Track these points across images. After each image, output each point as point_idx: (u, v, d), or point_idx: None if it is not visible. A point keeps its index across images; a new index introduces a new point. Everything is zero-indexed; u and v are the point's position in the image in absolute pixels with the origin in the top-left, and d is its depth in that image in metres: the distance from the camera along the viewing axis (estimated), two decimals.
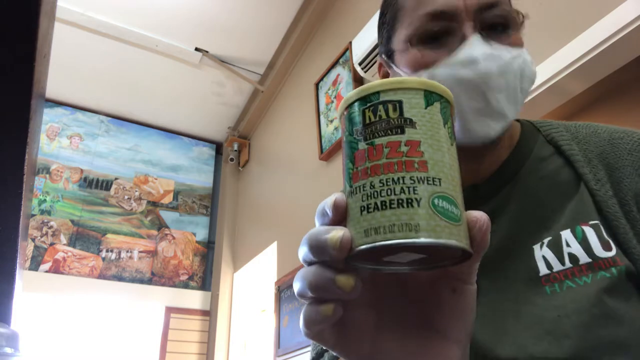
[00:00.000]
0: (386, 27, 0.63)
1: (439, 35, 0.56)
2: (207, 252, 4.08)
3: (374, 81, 0.31)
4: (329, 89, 2.80)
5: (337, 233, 0.28)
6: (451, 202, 0.28)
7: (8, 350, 0.43)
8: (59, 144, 3.85)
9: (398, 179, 0.28)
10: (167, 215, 4.04)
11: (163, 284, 3.77)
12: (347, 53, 2.66)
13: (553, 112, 1.57)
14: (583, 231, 0.52)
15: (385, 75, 0.65)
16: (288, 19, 3.33)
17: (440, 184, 0.28)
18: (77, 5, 3.15)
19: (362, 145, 0.29)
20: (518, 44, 0.57)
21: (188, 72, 3.72)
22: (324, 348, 0.58)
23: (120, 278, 3.62)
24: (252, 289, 3.64)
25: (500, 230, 0.57)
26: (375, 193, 0.28)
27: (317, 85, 2.94)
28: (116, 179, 3.96)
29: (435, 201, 0.27)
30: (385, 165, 0.28)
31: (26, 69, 0.38)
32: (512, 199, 0.58)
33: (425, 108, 0.29)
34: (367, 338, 0.32)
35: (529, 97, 1.51)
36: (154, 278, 3.75)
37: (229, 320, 3.67)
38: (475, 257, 0.30)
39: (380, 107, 0.29)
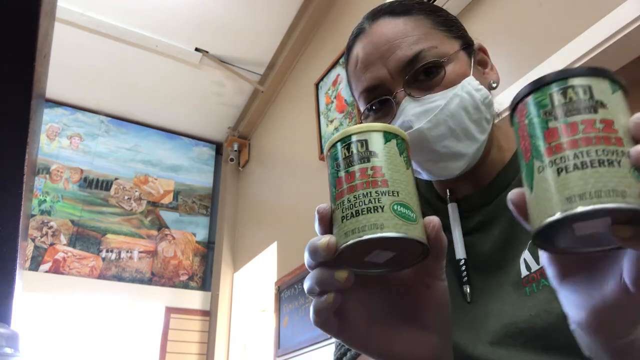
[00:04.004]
0: (352, 94, 0.70)
1: (380, 104, 0.61)
2: (207, 252, 4.08)
3: (350, 127, 0.41)
4: (329, 89, 2.80)
5: (325, 238, 0.36)
6: (407, 208, 0.37)
7: (8, 350, 0.43)
8: (59, 144, 3.85)
9: (367, 193, 0.37)
10: (167, 216, 4.04)
11: (163, 284, 3.77)
12: None
13: None
14: None
15: None
16: (288, 19, 3.33)
17: (398, 195, 0.37)
18: (77, 5, 3.15)
19: (341, 173, 0.39)
20: (455, 79, 0.58)
21: (188, 72, 3.72)
22: (344, 351, 0.64)
23: (120, 278, 3.62)
24: (252, 289, 3.64)
25: (492, 238, 0.59)
26: (351, 205, 0.37)
27: (317, 85, 2.94)
28: (116, 179, 3.96)
29: (395, 207, 0.36)
30: (357, 185, 0.37)
31: (26, 69, 0.38)
32: (504, 208, 0.60)
33: (385, 143, 0.39)
34: (361, 327, 0.40)
35: None
36: (154, 278, 3.75)
37: (229, 320, 3.67)
38: (436, 253, 0.38)
39: (352, 144, 0.39)
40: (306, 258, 0.38)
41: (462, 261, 0.60)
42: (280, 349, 2.74)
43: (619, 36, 1.30)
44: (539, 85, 0.34)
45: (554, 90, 0.33)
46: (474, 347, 0.54)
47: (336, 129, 2.62)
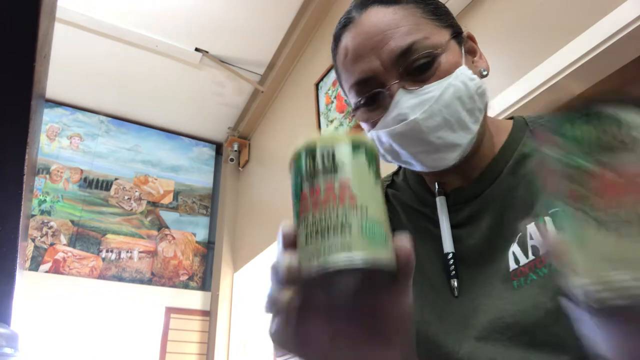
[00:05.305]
0: (340, 87, 0.69)
1: (373, 96, 0.59)
2: (207, 252, 4.08)
3: (315, 136, 0.38)
4: (329, 90, 2.80)
5: (286, 261, 0.34)
6: (377, 226, 0.34)
7: (8, 350, 0.43)
8: (59, 144, 3.85)
9: (333, 210, 0.34)
10: (167, 216, 4.04)
11: (163, 284, 3.76)
12: None
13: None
14: (545, 222, 0.54)
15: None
16: (288, 19, 3.32)
17: (367, 212, 0.34)
18: (77, 5, 3.14)
19: (305, 187, 0.36)
20: (449, 69, 0.58)
21: (188, 73, 3.72)
22: None
23: (120, 278, 3.62)
24: (252, 289, 3.64)
25: (481, 231, 0.59)
26: (316, 223, 0.34)
27: (317, 85, 2.94)
28: (116, 179, 3.96)
29: (364, 226, 0.33)
30: (323, 201, 0.34)
31: (26, 69, 0.38)
32: (493, 200, 0.60)
33: (353, 155, 0.36)
34: (322, 345, 0.38)
35: (529, 98, 1.51)
36: (154, 278, 3.75)
37: (229, 321, 3.67)
38: (404, 274, 0.36)
39: (317, 156, 0.36)
40: (269, 277, 0.36)
41: (450, 255, 0.59)
42: None
43: (619, 36, 1.30)
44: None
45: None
46: (460, 345, 0.53)
47: (336, 129, 2.62)
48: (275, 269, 0.35)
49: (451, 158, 0.57)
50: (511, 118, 0.67)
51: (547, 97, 1.51)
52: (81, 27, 3.28)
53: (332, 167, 0.35)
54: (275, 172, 3.50)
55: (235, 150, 4.15)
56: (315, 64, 3.11)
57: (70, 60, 3.53)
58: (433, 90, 0.56)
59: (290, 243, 0.36)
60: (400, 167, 0.75)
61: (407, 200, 0.69)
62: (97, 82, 3.81)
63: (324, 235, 0.33)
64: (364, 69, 0.58)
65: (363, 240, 0.33)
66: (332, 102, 2.73)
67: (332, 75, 2.80)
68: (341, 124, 2.58)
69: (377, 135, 0.60)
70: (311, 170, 0.36)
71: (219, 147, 4.54)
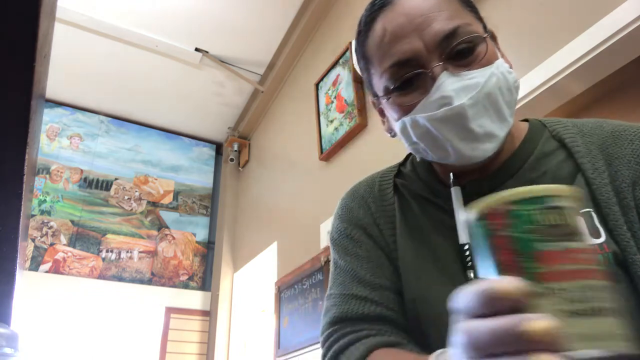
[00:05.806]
0: (365, 74, 0.65)
1: (410, 79, 0.57)
2: (207, 252, 4.08)
3: (543, 185, 0.32)
4: (329, 89, 2.80)
5: (544, 323, 0.27)
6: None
7: (8, 350, 0.43)
8: (59, 144, 3.85)
9: (601, 287, 0.29)
10: (167, 216, 4.04)
11: (163, 284, 3.77)
12: (347, 53, 2.66)
13: (553, 112, 1.57)
14: None
15: (381, 111, 0.67)
16: (288, 19, 3.33)
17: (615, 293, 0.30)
18: (77, 5, 3.15)
19: (551, 247, 0.30)
20: (490, 59, 0.57)
21: (188, 72, 3.72)
22: (348, 314, 0.62)
23: (120, 278, 3.62)
24: (252, 289, 3.64)
25: None
26: (582, 299, 0.28)
27: (317, 85, 2.94)
28: (116, 179, 3.96)
29: (616, 309, 0.29)
30: (586, 272, 0.29)
31: (26, 69, 0.38)
32: None
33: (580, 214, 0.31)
34: None
35: (529, 98, 1.51)
36: (154, 278, 3.75)
37: (229, 321, 3.67)
38: None
39: (566, 212, 0.30)
40: (504, 325, 0.28)
41: (466, 246, 0.59)
42: (280, 349, 2.74)
43: (619, 36, 1.30)
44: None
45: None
46: None
47: (336, 129, 2.62)
48: (517, 334, 0.27)
49: (489, 149, 0.56)
50: (525, 120, 0.68)
51: (547, 97, 1.51)
52: (81, 27, 3.28)
53: (589, 229, 0.31)
54: (275, 172, 3.50)
55: (235, 150, 4.15)
56: (315, 64, 3.11)
57: (70, 60, 3.53)
58: (477, 76, 0.56)
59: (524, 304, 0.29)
60: (406, 158, 0.75)
61: (417, 189, 0.68)
62: (97, 82, 3.81)
63: (598, 314, 0.29)
64: (405, 50, 0.57)
65: (624, 326, 0.29)
66: (332, 102, 2.73)
67: (332, 75, 2.80)
68: (341, 124, 2.58)
69: (411, 120, 0.59)
70: (554, 227, 0.30)
71: (219, 147, 4.55)
